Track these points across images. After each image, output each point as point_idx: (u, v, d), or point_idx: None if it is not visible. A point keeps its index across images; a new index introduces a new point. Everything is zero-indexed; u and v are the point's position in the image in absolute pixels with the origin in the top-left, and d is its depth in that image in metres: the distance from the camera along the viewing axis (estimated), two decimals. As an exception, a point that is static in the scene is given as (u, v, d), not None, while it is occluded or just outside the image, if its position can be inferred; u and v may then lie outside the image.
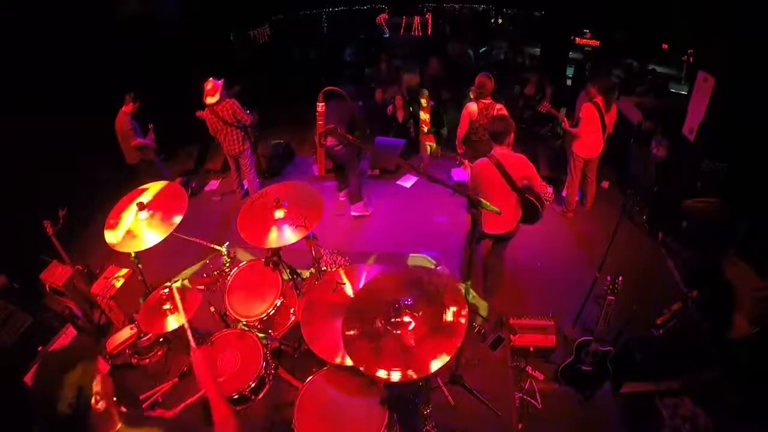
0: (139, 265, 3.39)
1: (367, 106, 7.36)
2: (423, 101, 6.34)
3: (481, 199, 2.18)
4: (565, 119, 5.01)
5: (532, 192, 3.48)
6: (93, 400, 1.30)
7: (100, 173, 5.58)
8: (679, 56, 7.97)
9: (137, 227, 2.99)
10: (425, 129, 6.44)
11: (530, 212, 3.53)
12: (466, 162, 4.60)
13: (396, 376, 1.92)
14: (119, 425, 1.36)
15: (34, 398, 1.27)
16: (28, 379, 3.03)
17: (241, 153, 5.31)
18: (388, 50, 8.60)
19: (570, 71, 8.57)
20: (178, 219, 3.00)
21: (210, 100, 4.88)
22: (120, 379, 3.38)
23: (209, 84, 4.84)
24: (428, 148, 6.47)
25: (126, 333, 3.35)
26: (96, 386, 1.32)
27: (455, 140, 4.92)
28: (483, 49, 10.05)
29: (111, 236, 2.99)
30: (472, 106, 4.60)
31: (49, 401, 1.24)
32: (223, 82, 4.98)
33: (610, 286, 2.92)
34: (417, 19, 12.18)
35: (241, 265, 3.26)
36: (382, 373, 1.94)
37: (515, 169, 3.32)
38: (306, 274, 3.70)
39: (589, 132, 4.70)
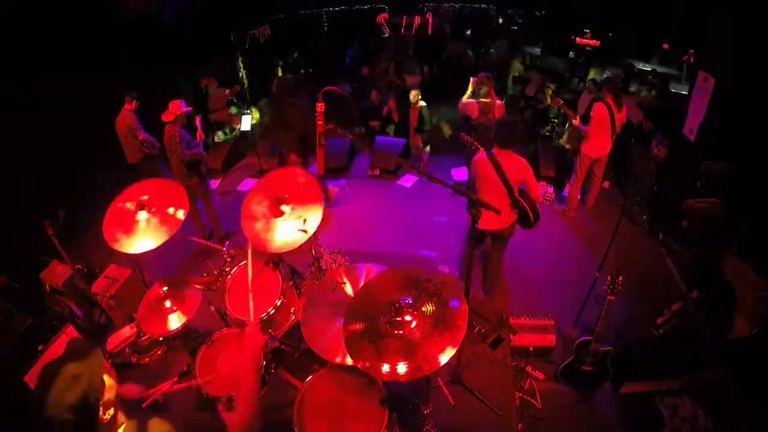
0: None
1: (363, 106, 7.37)
2: (411, 99, 6.30)
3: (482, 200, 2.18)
4: (576, 117, 5.00)
5: (526, 198, 3.49)
6: (101, 411, 1.25)
7: (101, 173, 5.58)
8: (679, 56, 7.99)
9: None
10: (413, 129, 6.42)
11: (522, 218, 3.56)
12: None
13: (397, 374, 1.92)
14: (123, 425, 1.35)
15: (34, 407, 1.19)
16: (28, 379, 3.03)
17: (188, 188, 4.74)
18: (387, 52, 8.59)
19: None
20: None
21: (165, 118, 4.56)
22: (120, 379, 3.37)
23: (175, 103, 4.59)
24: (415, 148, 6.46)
25: (127, 331, 3.34)
26: (106, 394, 1.28)
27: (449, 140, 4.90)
28: (483, 49, 10.06)
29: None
30: (471, 102, 4.59)
31: (51, 412, 1.16)
32: (186, 108, 4.65)
33: (610, 286, 2.92)
34: (417, 19, 12.19)
35: (241, 264, 3.26)
36: (384, 371, 1.94)
37: (512, 172, 3.32)
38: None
39: (599, 131, 4.69)
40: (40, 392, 1.20)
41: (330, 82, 5.53)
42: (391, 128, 6.96)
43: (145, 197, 2.94)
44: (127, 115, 5.06)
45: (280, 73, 9.28)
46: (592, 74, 7.86)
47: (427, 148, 6.47)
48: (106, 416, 1.27)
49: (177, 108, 4.59)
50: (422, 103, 6.29)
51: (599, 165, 4.99)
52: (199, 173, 4.86)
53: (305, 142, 5.45)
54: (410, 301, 2.13)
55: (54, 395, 1.18)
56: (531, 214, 3.50)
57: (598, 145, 4.79)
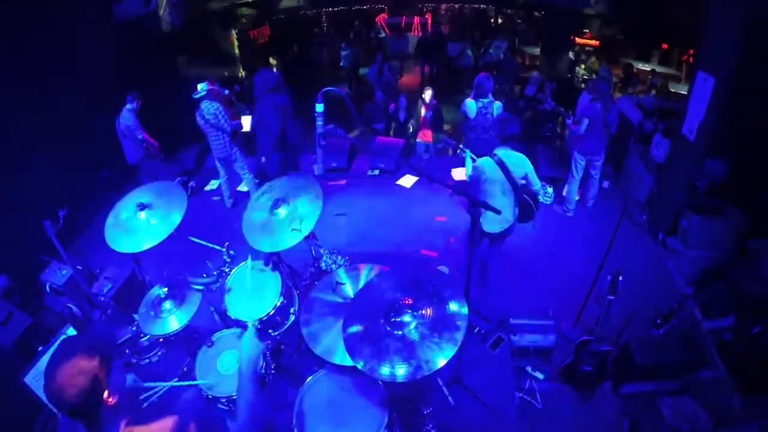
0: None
1: (367, 106, 7.38)
2: (426, 97, 6.31)
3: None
4: (570, 117, 5.01)
5: (528, 191, 3.50)
6: (105, 393, 1.31)
7: (101, 173, 5.58)
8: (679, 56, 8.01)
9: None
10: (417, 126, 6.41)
11: (525, 211, 3.56)
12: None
13: (399, 374, 1.92)
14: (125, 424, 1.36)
15: (46, 379, 1.27)
16: (28, 379, 3.03)
17: (229, 157, 5.21)
18: (382, 52, 8.61)
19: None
20: (177, 219, 3.00)
21: (196, 95, 4.86)
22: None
23: (203, 83, 4.88)
24: (424, 147, 6.46)
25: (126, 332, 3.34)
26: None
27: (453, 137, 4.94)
28: (482, 49, 10.07)
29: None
30: (471, 104, 4.62)
31: (59, 385, 1.24)
32: (216, 86, 4.95)
33: (610, 286, 2.92)
34: (417, 20, 12.19)
35: (241, 264, 3.26)
36: (384, 371, 1.94)
37: (516, 168, 3.36)
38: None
39: (590, 131, 4.71)
40: (50, 371, 1.26)
41: (329, 83, 5.53)
42: (393, 128, 6.98)
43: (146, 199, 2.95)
44: (127, 114, 5.07)
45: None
46: (596, 65, 7.85)
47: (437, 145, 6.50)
48: (111, 400, 1.32)
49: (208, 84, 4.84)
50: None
51: (594, 165, 5.00)
52: (239, 143, 5.22)
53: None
54: (410, 302, 2.14)
55: (63, 378, 1.24)
56: (533, 205, 3.51)
57: (589, 145, 4.81)
